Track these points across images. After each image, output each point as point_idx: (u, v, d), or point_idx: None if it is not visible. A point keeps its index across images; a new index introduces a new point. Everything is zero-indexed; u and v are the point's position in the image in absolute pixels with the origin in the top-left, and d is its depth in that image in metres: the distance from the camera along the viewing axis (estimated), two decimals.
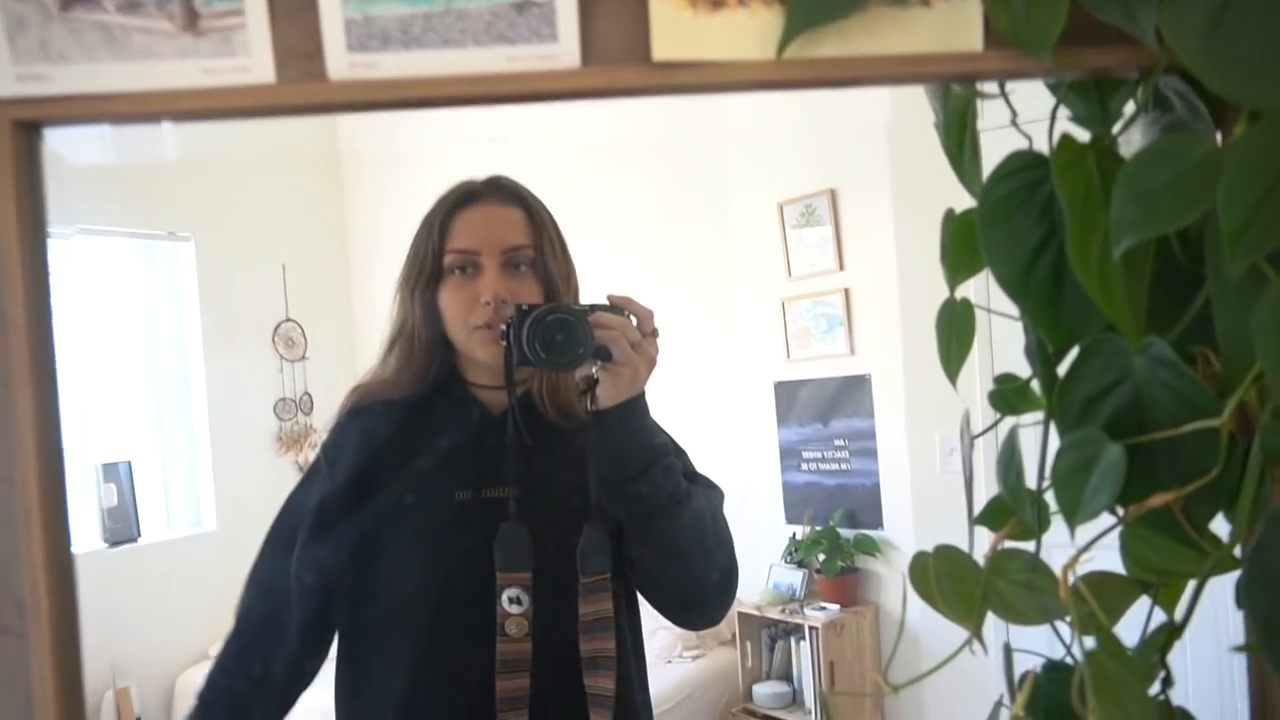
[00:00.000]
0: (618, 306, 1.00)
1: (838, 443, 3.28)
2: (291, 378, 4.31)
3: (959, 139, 0.57)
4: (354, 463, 1.13)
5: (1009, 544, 0.58)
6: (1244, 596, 0.34)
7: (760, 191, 3.40)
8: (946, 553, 0.58)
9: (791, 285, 3.35)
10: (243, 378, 4.10)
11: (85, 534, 3.63)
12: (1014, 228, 0.50)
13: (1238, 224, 0.33)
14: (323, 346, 4.44)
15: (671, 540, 1.03)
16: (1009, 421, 0.57)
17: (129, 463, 3.77)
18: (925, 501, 2.99)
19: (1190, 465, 0.43)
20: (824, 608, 3.07)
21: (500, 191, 1.13)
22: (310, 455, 4.23)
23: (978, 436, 0.62)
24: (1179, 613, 0.46)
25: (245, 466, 4.05)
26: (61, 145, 0.55)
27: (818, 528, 3.23)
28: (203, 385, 3.99)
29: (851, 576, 3.12)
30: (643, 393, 1.01)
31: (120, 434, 3.89)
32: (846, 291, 3.19)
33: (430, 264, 1.10)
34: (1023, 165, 0.50)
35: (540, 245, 1.09)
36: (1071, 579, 0.46)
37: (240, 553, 4.15)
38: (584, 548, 1.04)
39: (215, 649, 3.88)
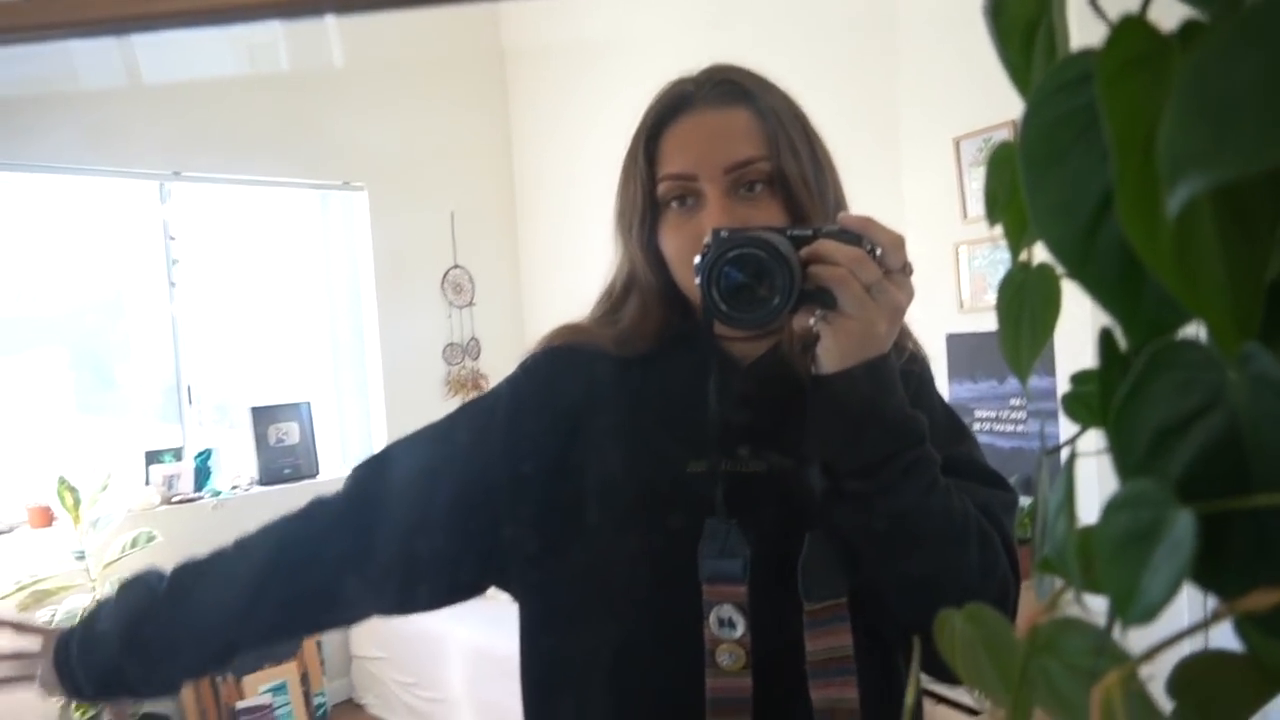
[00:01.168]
0: (850, 232, 0.73)
1: (1015, 401, 2.99)
2: (459, 323, 4.42)
3: (1025, 34, 0.41)
4: (558, 411, 0.89)
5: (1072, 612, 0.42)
6: None
7: (934, 125, 3.10)
8: (978, 615, 0.43)
9: (967, 228, 3.05)
10: (413, 323, 4.25)
11: (245, 472, 3.89)
12: (1069, 170, 0.34)
13: None
14: (490, 293, 4.52)
15: (910, 568, 0.75)
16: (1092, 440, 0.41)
17: (309, 403, 4.00)
18: (1111, 468, 2.67)
19: None
20: (1019, 575, 2.83)
21: (719, 89, 0.85)
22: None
23: (1051, 453, 0.46)
24: None
25: (415, 409, 4.19)
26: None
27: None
28: (375, 331, 4.16)
29: (1024, 548, 2.85)
30: (885, 354, 0.73)
31: (301, 376, 4.13)
32: (1029, 250, 2.86)
33: (642, 198, 0.86)
34: (1086, 73, 0.33)
35: (778, 155, 0.82)
36: (1121, 691, 0.31)
37: None
38: (806, 563, 0.77)
39: None
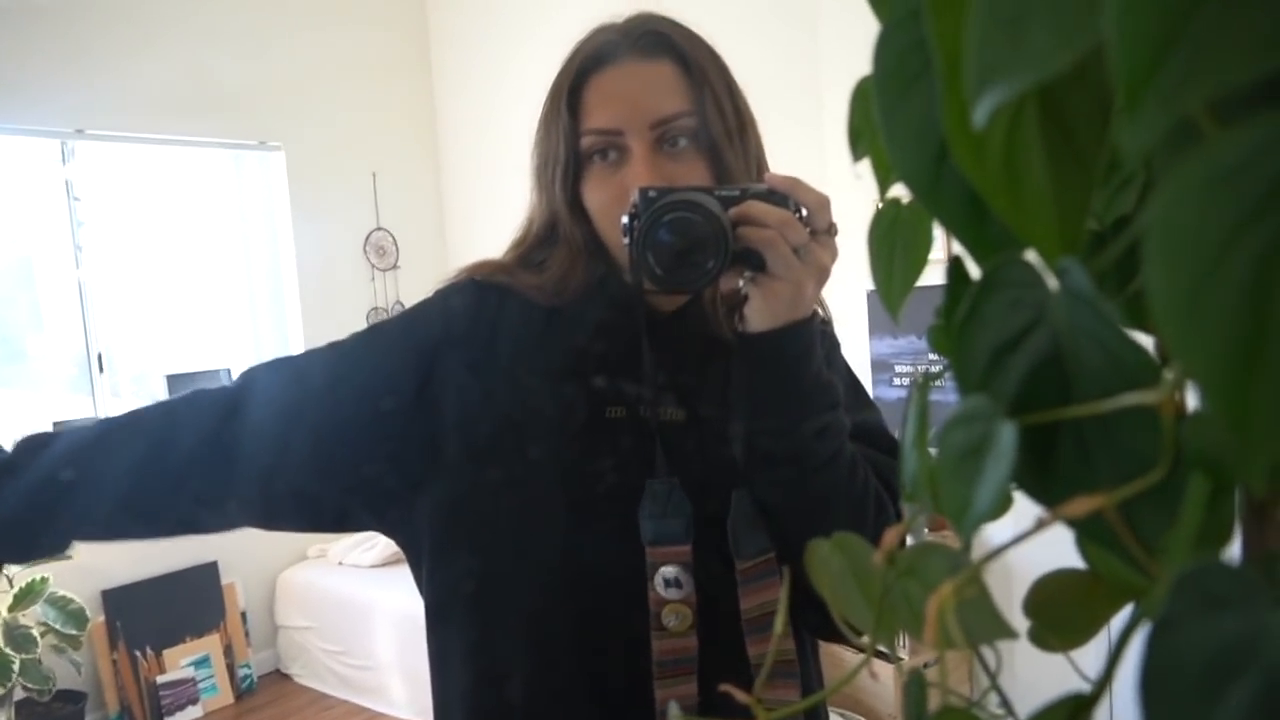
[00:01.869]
0: (778, 192, 0.72)
1: (933, 356, 3.06)
2: (383, 287, 4.34)
3: None
4: (476, 345, 0.85)
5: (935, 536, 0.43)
6: (1139, 693, 0.20)
7: (857, 77, 3.12)
8: (846, 544, 0.44)
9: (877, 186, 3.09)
10: (335, 287, 4.15)
11: None
12: (919, 97, 0.35)
13: (1144, 54, 0.18)
14: (414, 255, 4.44)
15: (806, 525, 0.74)
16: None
17: (228, 369, 3.89)
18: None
19: (1128, 457, 0.28)
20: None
21: (644, 41, 0.82)
22: None
23: (920, 386, 0.47)
24: (1091, 673, 0.32)
25: None
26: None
27: None
28: (296, 295, 4.06)
29: None
30: (810, 316, 0.74)
31: (220, 342, 4.01)
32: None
33: (564, 150, 0.83)
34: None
35: (703, 110, 0.80)
36: (945, 606, 0.32)
37: None
38: (735, 520, 0.77)
39: (314, 550, 4.03)
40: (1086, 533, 0.32)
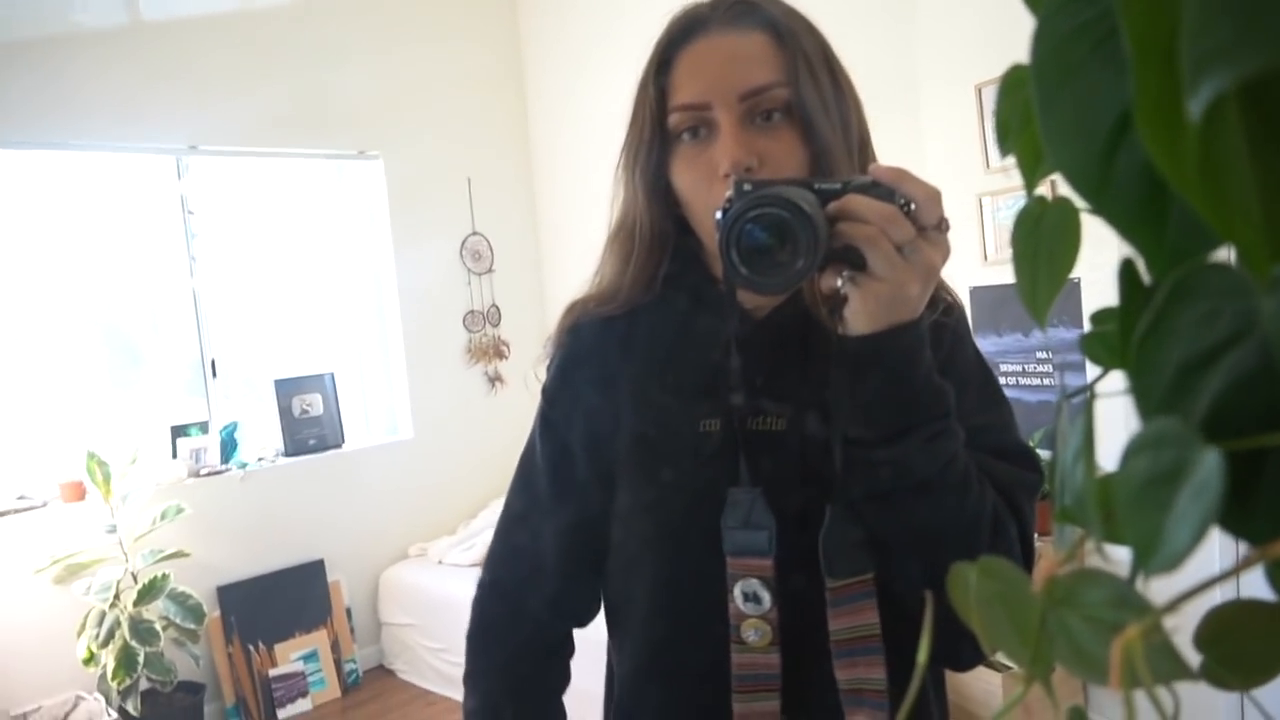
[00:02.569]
0: (883, 185, 0.68)
1: (1040, 354, 2.94)
2: (479, 290, 4.41)
3: None
4: (577, 404, 0.89)
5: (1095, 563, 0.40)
6: None
7: (955, 72, 3.03)
8: (994, 568, 0.41)
9: (990, 179, 2.99)
10: (433, 291, 4.24)
11: (270, 444, 3.92)
12: (1085, 86, 0.32)
13: None
14: (509, 259, 4.50)
15: (911, 545, 0.72)
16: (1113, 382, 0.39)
17: (332, 374, 4.01)
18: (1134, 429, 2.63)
19: None
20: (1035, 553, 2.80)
21: (734, 11, 0.78)
22: (499, 366, 4.36)
23: (1070, 397, 0.44)
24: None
25: (438, 377, 4.22)
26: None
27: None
28: (395, 300, 4.16)
29: (1048, 503, 2.82)
30: (915, 319, 0.68)
31: (324, 348, 4.14)
32: (1053, 183, 2.80)
33: (650, 130, 0.80)
34: None
35: (796, 80, 0.75)
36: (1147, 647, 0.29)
37: (435, 459, 4.37)
38: (827, 537, 0.73)
39: (414, 549, 4.11)
40: None
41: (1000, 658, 2.73)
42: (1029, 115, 0.40)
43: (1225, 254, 0.29)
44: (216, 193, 3.87)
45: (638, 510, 0.84)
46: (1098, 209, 0.32)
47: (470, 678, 0.95)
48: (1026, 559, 0.78)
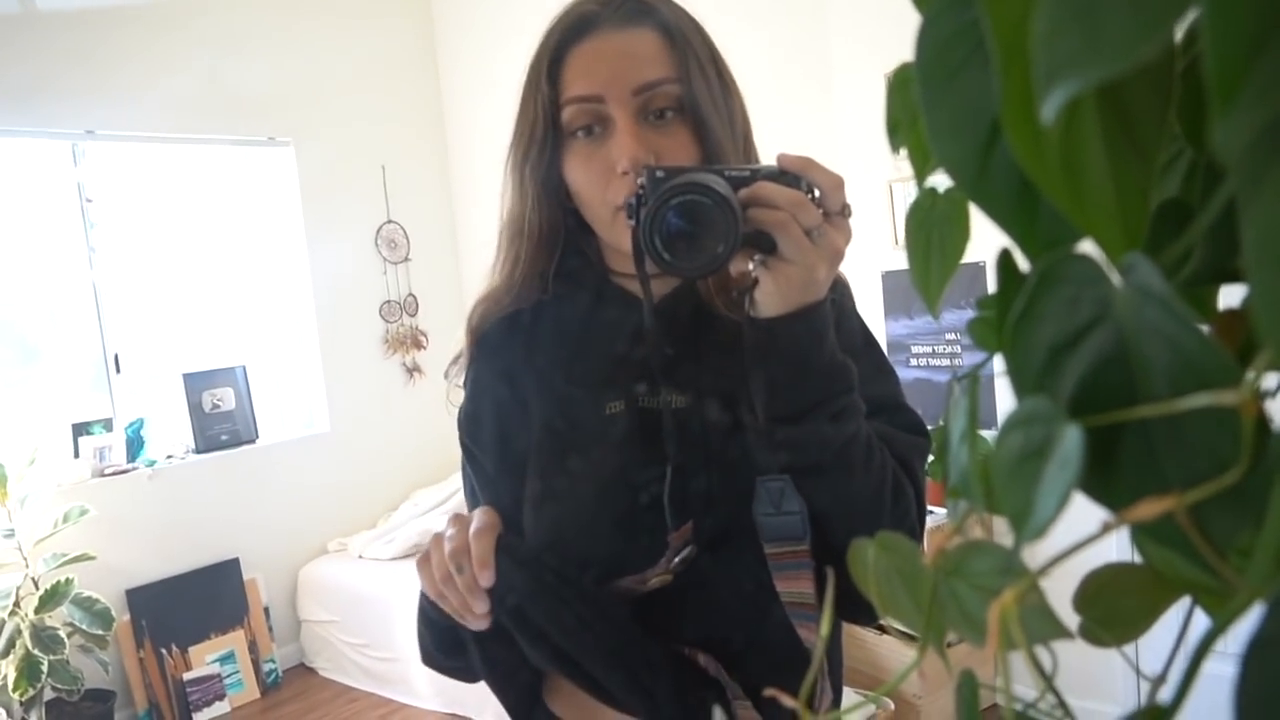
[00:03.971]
0: (790, 173, 0.70)
1: (949, 336, 3.04)
2: (395, 280, 4.34)
3: None
4: (494, 406, 0.89)
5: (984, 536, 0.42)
6: (1238, 714, 0.20)
7: (866, 61, 3.09)
8: (891, 544, 0.43)
9: (901, 164, 3.06)
10: (348, 281, 4.16)
11: (180, 440, 3.81)
12: (964, 87, 0.34)
13: (1236, 39, 0.17)
14: (425, 247, 4.44)
15: (826, 510, 0.76)
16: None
17: (243, 368, 3.90)
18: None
19: (1200, 458, 0.27)
20: (931, 511, 2.90)
21: (624, 9, 0.80)
22: (417, 357, 4.30)
23: (961, 378, 0.46)
24: (1169, 685, 0.31)
25: (354, 369, 4.14)
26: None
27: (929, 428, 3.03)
28: (310, 290, 4.07)
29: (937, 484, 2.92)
30: (821, 300, 0.71)
31: (235, 340, 4.02)
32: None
33: (542, 126, 0.81)
34: None
35: (688, 78, 0.78)
36: (1010, 612, 0.31)
37: (353, 452, 4.30)
38: (761, 508, 0.77)
39: (334, 544, 4.04)
40: (1153, 535, 0.31)
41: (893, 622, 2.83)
42: (915, 112, 0.42)
43: (1090, 244, 0.32)
44: (117, 180, 3.72)
45: (549, 498, 0.85)
46: (976, 201, 0.34)
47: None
48: (920, 520, 0.82)
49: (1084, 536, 0.32)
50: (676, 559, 0.79)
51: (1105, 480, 0.30)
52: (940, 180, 0.46)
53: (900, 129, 0.42)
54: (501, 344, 0.89)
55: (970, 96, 0.33)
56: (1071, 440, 0.27)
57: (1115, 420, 0.28)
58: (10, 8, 3.25)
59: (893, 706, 2.63)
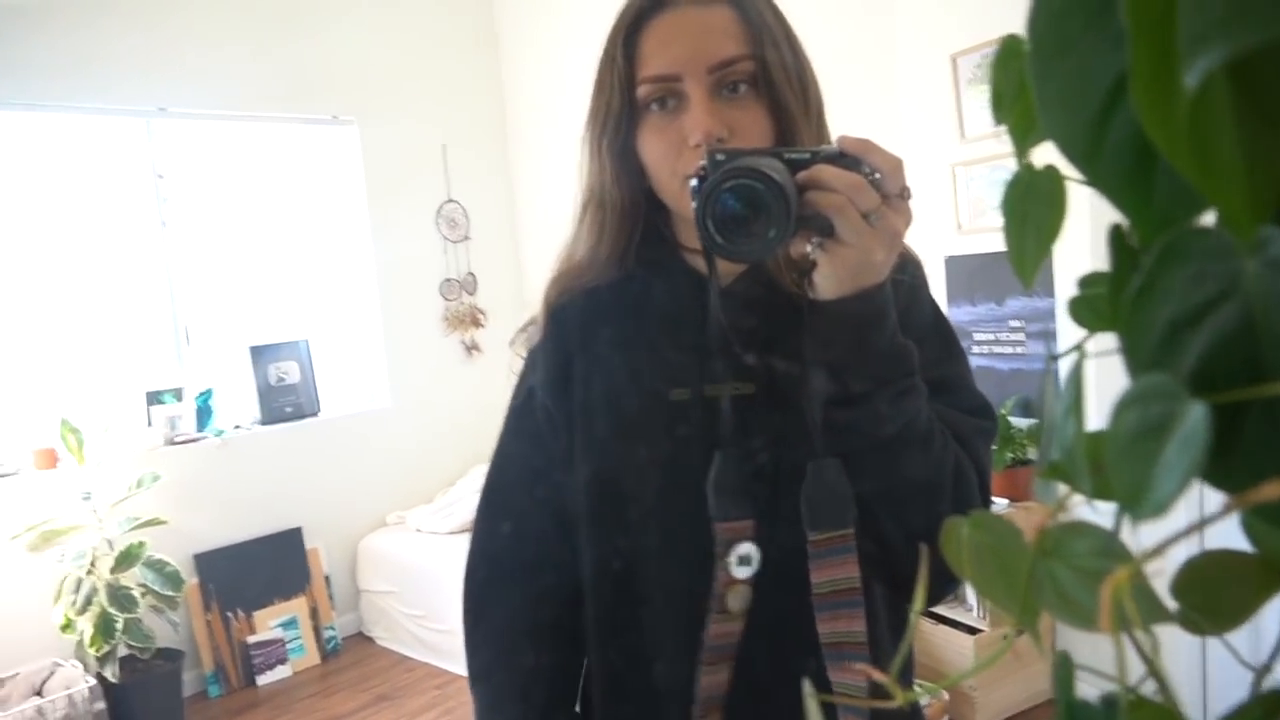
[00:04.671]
0: (849, 155, 0.70)
1: (1013, 323, 2.98)
2: (455, 258, 4.39)
3: None
4: (560, 378, 0.90)
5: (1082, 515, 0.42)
6: None
7: (931, 41, 3.03)
8: (986, 521, 0.43)
9: (965, 148, 3.01)
10: (409, 259, 4.22)
11: (245, 411, 3.91)
12: (1079, 58, 0.33)
13: None
14: (485, 227, 4.48)
15: (886, 499, 0.76)
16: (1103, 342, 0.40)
17: (307, 342, 3.99)
18: (1112, 391, 2.68)
19: None
20: (993, 501, 2.86)
21: None
22: (475, 335, 4.35)
23: (1059, 358, 0.46)
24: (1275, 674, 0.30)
25: (414, 345, 4.20)
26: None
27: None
28: (372, 267, 4.14)
29: (1024, 470, 2.88)
30: (881, 283, 0.71)
31: (299, 315, 4.11)
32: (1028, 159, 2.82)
33: (618, 101, 0.82)
34: None
35: (762, 55, 0.78)
36: (1125, 590, 0.31)
37: (412, 428, 4.38)
38: (809, 492, 0.75)
39: (392, 517, 4.12)
40: (1272, 518, 0.30)
41: (964, 614, 2.80)
42: (1023, 85, 0.41)
43: (1209, 219, 0.31)
44: (188, 157, 3.82)
45: (615, 480, 0.86)
46: (1089, 176, 0.34)
47: (473, 648, 0.97)
48: (985, 505, 0.81)
49: (1199, 519, 0.32)
50: (734, 558, 0.78)
51: (1224, 463, 0.29)
52: (1038, 156, 0.45)
53: (1004, 102, 0.41)
54: (579, 321, 0.90)
55: (1085, 68, 0.32)
56: (1196, 417, 0.27)
57: (1241, 398, 0.27)
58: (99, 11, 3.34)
59: (947, 697, 2.61)
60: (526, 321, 0.95)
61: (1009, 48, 0.40)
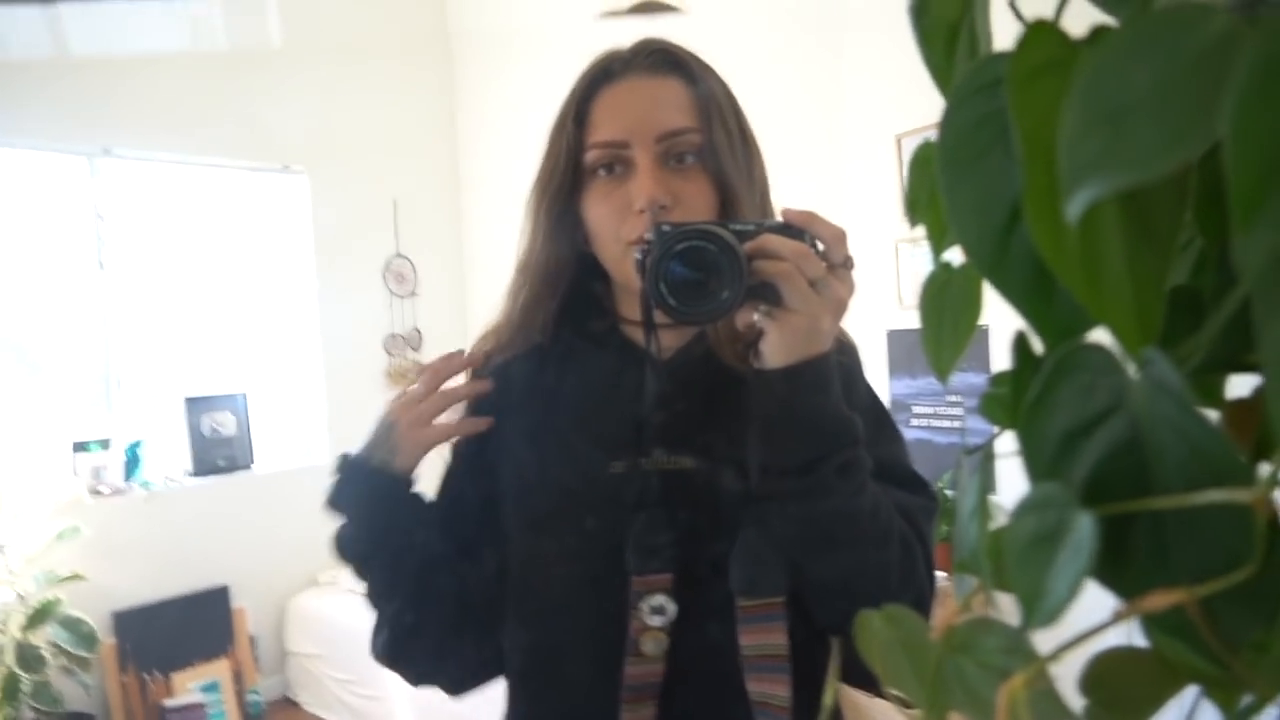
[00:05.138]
0: (794, 226, 0.72)
1: (951, 398, 3.05)
2: (401, 313, 4.36)
3: (948, 35, 0.42)
4: (479, 438, 0.90)
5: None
6: None
7: (877, 121, 3.14)
8: (897, 616, 0.43)
9: (907, 226, 3.09)
10: (354, 313, 4.18)
11: (176, 463, 3.80)
12: (986, 172, 0.35)
13: (1257, 166, 0.17)
14: (433, 283, 4.47)
15: (831, 570, 0.76)
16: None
17: (244, 394, 3.91)
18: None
19: (1212, 552, 0.28)
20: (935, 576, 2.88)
21: (653, 59, 0.83)
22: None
23: (970, 453, 0.47)
24: None
25: (356, 401, 4.13)
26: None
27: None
28: (316, 320, 4.09)
29: (946, 546, 2.90)
30: (826, 352, 0.72)
31: (238, 366, 4.03)
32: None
33: (564, 164, 0.83)
34: (1004, 75, 0.33)
35: (709, 128, 0.81)
36: (1021, 695, 0.31)
37: None
38: (738, 558, 0.77)
39: (325, 576, 4.00)
40: (1164, 626, 0.31)
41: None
42: (935, 191, 0.43)
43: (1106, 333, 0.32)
44: (131, 199, 3.75)
45: (540, 553, 0.87)
46: (994, 283, 0.35)
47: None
48: (929, 575, 0.81)
49: (1094, 624, 0.32)
50: (645, 607, 0.78)
51: (1117, 568, 0.30)
52: (955, 255, 0.47)
53: (919, 205, 0.43)
54: (503, 390, 0.90)
55: (992, 181, 0.34)
56: (1084, 527, 0.28)
57: (1128, 510, 0.28)
58: (44, 51, 3.31)
59: None
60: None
61: (922, 154, 0.42)
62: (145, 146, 3.65)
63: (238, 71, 3.81)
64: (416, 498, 0.87)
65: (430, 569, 0.86)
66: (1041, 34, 0.28)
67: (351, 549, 0.87)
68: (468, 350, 0.93)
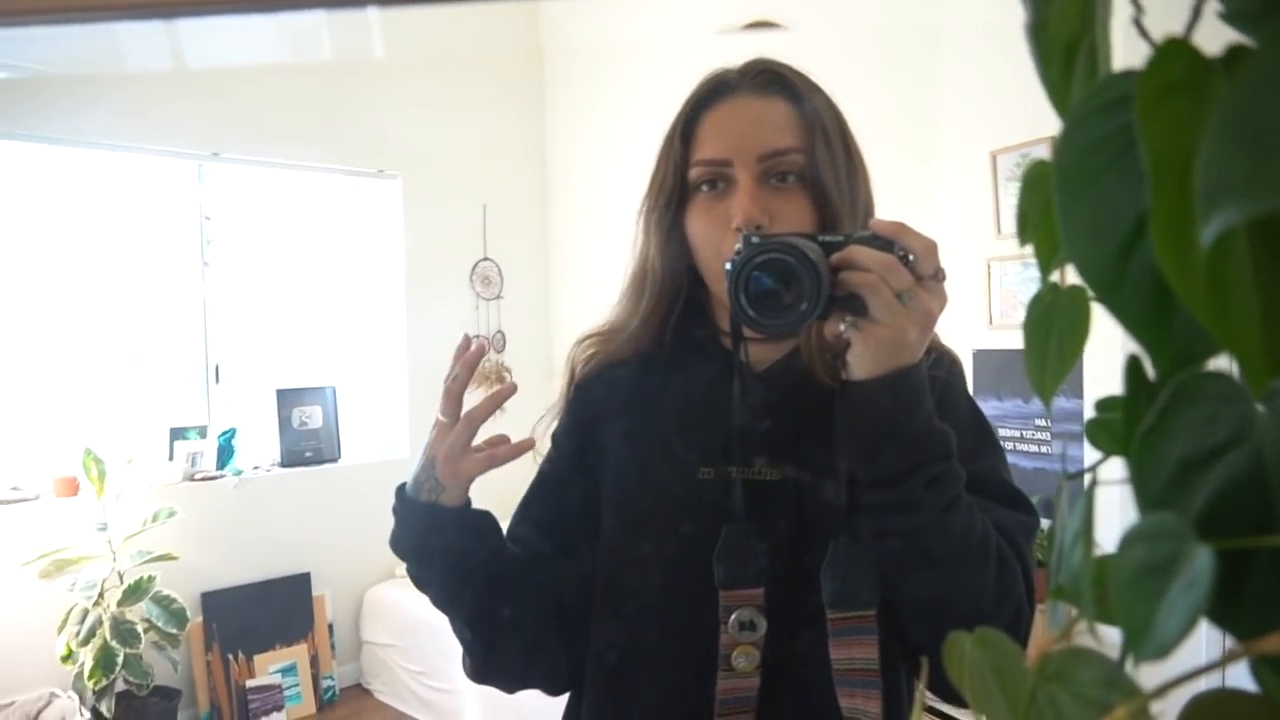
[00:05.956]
0: (882, 238, 0.71)
1: (1039, 422, 2.96)
2: (486, 315, 4.44)
3: (1066, 52, 0.41)
4: (582, 439, 0.93)
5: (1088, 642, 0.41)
6: None
7: (972, 138, 3.07)
8: (989, 639, 0.42)
9: (1000, 244, 3.02)
10: (440, 314, 4.27)
11: (266, 453, 3.93)
12: (1104, 193, 0.34)
13: None
14: (517, 286, 4.54)
15: (923, 585, 0.74)
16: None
17: (334, 388, 4.03)
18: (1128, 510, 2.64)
19: None
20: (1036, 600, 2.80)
21: (760, 79, 0.84)
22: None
23: (1071, 478, 0.46)
24: None
25: (437, 399, 4.22)
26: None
27: None
28: (403, 319, 4.19)
29: (1042, 571, 2.81)
30: (915, 364, 0.71)
31: (328, 361, 4.16)
32: (1063, 270, 2.82)
33: (672, 180, 0.85)
34: (1126, 95, 0.33)
35: (812, 148, 0.81)
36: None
37: None
38: (829, 571, 0.76)
39: (401, 569, 4.08)
40: (1277, 668, 0.30)
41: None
42: (1048, 210, 0.42)
43: (1224, 361, 0.31)
44: (235, 200, 3.92)
45: (633, 554, 0.88)
46: (1110, 306, 0.34)
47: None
48: (1029, 593, 0.79)
49: (1204, 662, 0.31)
50: (734, 622, 0.79)
51: (1232, 606, 0.29)
52: (1059, 276, 0.46)
53: (1030, 224, 0.42)
54: (604, 397, 0.92)
55: (1111, 202, 0.33)
56: (1202, 561, 0.27)
57: (1249, 545, 0.27)
58: (162, 63, 3.47)
59: None
60: (550, 407, 0.97)
61: (1035, 173, 0.41)
62: (250, 152, 3.81)
63: (339, 82, 3.95)
64: (474, 519, 0.86)
65: (503, 580, 0.87)
66: (1174, 52, 0.28)
67: (421, 586, 0.88)
68: (565, 356, 0.95)
